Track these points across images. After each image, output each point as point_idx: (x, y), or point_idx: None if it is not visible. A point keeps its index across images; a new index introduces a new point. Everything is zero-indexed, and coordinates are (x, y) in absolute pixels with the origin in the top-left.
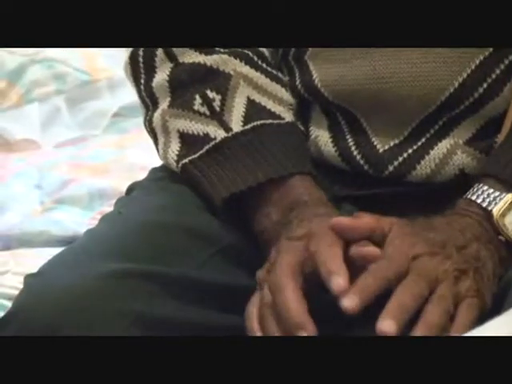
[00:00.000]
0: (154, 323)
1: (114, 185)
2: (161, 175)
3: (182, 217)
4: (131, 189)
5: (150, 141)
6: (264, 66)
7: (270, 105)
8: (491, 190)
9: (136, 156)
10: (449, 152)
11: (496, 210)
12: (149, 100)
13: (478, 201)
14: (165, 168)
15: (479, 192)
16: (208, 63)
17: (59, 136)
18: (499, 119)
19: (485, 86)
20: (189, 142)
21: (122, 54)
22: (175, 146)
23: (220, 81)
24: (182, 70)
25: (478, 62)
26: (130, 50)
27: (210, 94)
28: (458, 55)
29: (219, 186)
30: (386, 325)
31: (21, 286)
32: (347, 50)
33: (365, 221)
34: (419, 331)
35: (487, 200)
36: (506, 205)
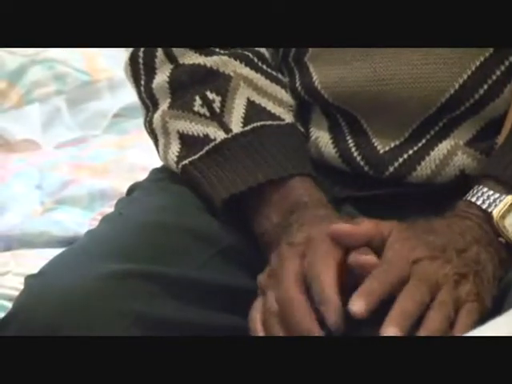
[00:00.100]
0: (154, 324)
1: (114, 185)
2: (161, 176)
3: (183, 217)
4: (132, 189)
5: (151, 141)
6: (264, 67)
7: (270, 106)
8: (491, 192)
9: (136, 156)
10: (449, 153)
11: (496, 212)
12: (149, 101)
13: (478, 202)
14: (165, 169)
15: (479, 194)
16: (208, 64)
17: (60, 136)
18: (499, 120)
19: (485, 87)
20: (189, 143)
21: (122, 55)
22: (175, 147)
23: (220, 82)
24: (182, 71)
25: (478, 63)
26: (130, 51)
27: (210, 96)
28: (458, 57)
29: (219, 187)
30: (390, 332)
31: (21, 287)
32: (347, 52)
33: (363, 227)
34: None
35: (487, 202)
36: (506, 206)
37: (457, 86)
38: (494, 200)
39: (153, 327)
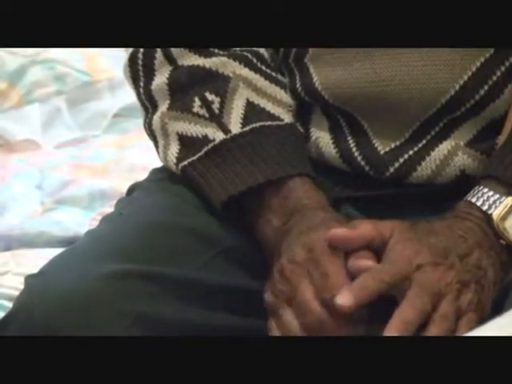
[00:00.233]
0: (154, 324)
1: (114, 185)
2: (161, 176)
3: (183, 218)
4: (132, 189)
5: (151, 141)
6: (263, 68)
7: (270, 107)
8: (491, 193)
9: (136, 156)
10: (450, 153)
11: (496, 215)
12: (148, 103)
13: (478, 203)
14: (165, 169)
15: (479, 194)
16: (207, 66)
17: (60, 136)
18: (500, 121)
19: (486, 88)
20: (188, 144)
21: (122, 55)
22: (174, 149)
23: (219, 83)
24: (181, 72)
25: (478, 64)
26: (130, 52)
27: (209, 97)
28: (458, 58)
29: (218, 188)
30: None
31: (21, 287)
32: (347, 53)
33: (362, 230)
34: None
35: (487, 203)
36: (506, 208)
37: (457, 87)
38: (494, 201)
39: (153, 327)
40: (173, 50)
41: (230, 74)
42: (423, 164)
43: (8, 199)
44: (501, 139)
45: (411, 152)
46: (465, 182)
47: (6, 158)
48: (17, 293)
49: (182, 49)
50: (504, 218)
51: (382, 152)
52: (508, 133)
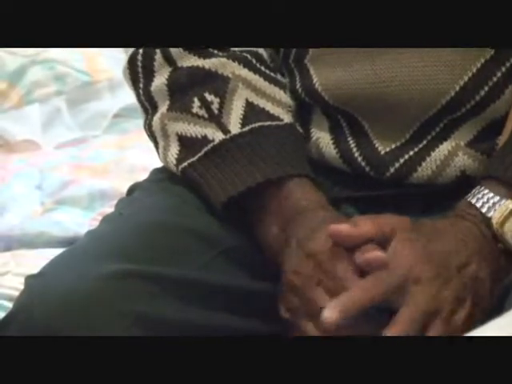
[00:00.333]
0: (154, 324)
1: (114, 185)
2: (162, 176)
3: (184, 218)
4: (132, 190)
5: (151, 142)
6: (262, 68)
7: (269, 107)
8: (491, 195)
9: (136, 157)
10: (450, 154)
11: (495, 218)
12: (148, 104)
13: (478, 205)
14: (166, 169)
15: (479, 195)
16: (206, 66)
17: (60, 137)
18: (500, 121)
19: (486, 89)
20: (188, 144)
21: (122, 55)
22: (174, 150)
23: (218, 84)
24: (181, 73)
25: (479, 65)
26: (129, 54)
27: (209, 97)
28: (458, 59)
29: (218, 189)
30: None
31: (21, 287)
32: (347, 54)
33: (363, 228)
34: None
35: (486, 205)
36: (506, 213)
37: (457, 88)
38: (494, 204)
39: (153, 328)
40: (172, 51)
41: (230, 75)
42: (423, 164)
43: (8, 199)
44: (501, 140)
45: (411, 152)
46: (465, 183)
47: (6, 158)
48: (17, 293)
49: (181, 50)
50: (503, 222)
51: (382, 152)
52: (508, 133)
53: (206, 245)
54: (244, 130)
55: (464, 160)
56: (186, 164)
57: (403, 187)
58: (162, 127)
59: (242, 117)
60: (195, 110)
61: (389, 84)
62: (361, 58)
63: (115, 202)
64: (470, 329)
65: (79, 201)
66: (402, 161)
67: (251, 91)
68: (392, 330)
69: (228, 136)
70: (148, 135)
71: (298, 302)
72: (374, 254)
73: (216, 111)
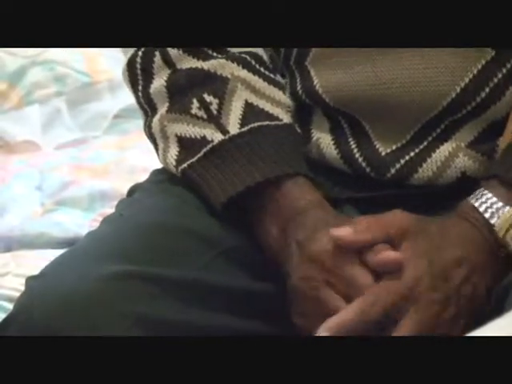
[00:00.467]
0: (154, 325)
1: (114, 186)
2: (162, 177)
3: (184, 219)
4: (132, 191)
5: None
6: (262, 69)
7: (268, 107)
8: (494, 200)
9: (137, 157)
10: (451, 155)
11: (498, 226)
12: (147, 106)
13: (481, 209)
14: (166, 170)
15: (483, 199)
16: (205, 68)
17: (60, 137)
18: (501, 122)
19: (487, 90)
20: (187, 145)
21: (122, 56)
22: (174, 151)
23: (217, 85)
24: (180, 75)
25: (479, 66)
26: (128, 57)
27: (208, 98)
28: (459, 60)
29: (218, 189)
30: None
31: (22, 288)
32: (348, 56)
33: (367, 235)
34: None
35: (490, 210)
36: (510, 221)
37: (458, 90)
38: (497, 210)
39: (153, 328)
40: (171, 53)
41: (229, 76)
42: (424, 165)
43: (8, 200)
44: (502, 141)
45: (412, 153)
46: (466, 184)
47: (6, 159)
48: (17, 294)
49: (180, 52)
50: (507, 230)
51: (383, 153)
52: (509, 134)
53: (206, 245)
54: (243, 130)
55: (465, 161)
56: (185, 165)
57: (404, 188)
58: (161, 129)
59: (240, 117)
60: (194, 111)
61: (389, 86)
62: (361, 60)
63: (115, 202)
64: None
65: (79, 202)
66: (402, 162)
67: (250, 92)
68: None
69: (227, 136)
70: (148, 137)
71: (309, 306)
72: (388, 254)
73: (215, 112)
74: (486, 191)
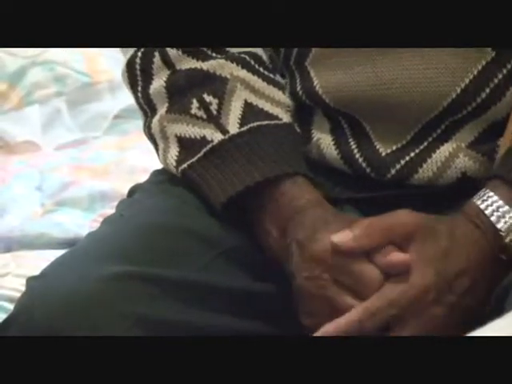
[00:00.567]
0: (155, 325)
1: (114, 187)
2: (162, 178)
3: (184, 219)
4: (133, 191)
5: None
6: (261, 69)
7: (268, 107)
8: (500, 203)
9: (137, 158)
10: (451, 155)
11: (505, 232)
12: (147, 107)
13: (487, 212)
14: (166, 171)
15: (488, 202)
16: (205, 68)
17: (60, 138)
18: (502, 123)
19: (487, 91)
20: (187, 146)
21: (122, 57)
22: (174, 151)
23: (217, 85)
24: (179, 75)
25: (480, 67)
26: (127, 58)
27: (207, 98)
28: (459, 61)
29: (218, 189)
30: None
31: (22, 288)
32: (348, 57)
33: (368, 241)
34: None
35: (495, 214)
36: None
37: (458, 91)
38: (504, 214)
39: (154, 329)
40: (171, 54)
41: (228, 76)
42: (424, 166)
43: (8, 201)
44: (503, 141)
45: (413, 154)
46: (466, 184)
47: (6, 159)
48: (17, 294)
49: (179, 53)
50: None
51: (383, 154)
52: (510, 135)
53: (207, 246)
54: (242, 129)
55: (465, 161)
56: (185, 165)
57: (404, 188)
58: (161, 129)
59: (240, 117)
60: (194, 111)
61: (390, 86)
62: (361, 61)
63: (116, 203)
64: None
65: (79, 202)
66: (403, 162)
67: (250, 92)
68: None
69: (227, 136)
70: (147, 137)
71: (317, 306)
72: (396, 256)
73: (214, 112)
74: (491, 193)
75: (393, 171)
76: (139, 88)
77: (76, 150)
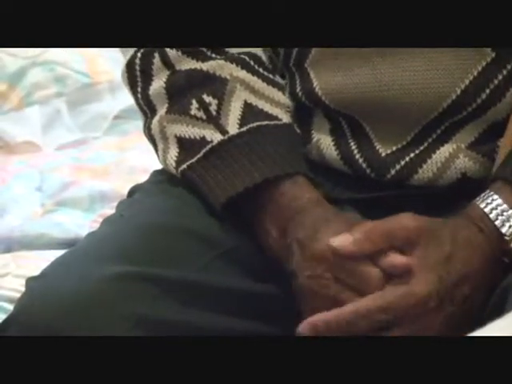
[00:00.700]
0: (155, 326)
1: (114, 187)
2: (162, 178)
3: (184, 219)
4: (133, 191)
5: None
6: (261, 70)
7: (267, 107)
8: (505, 206)
9: (137, 158)
10: (451, 156)
11: (510, 236)
12: (146, 108)
13: (491, 216)
14: (166, 171)
15: (493, 205)
16: (204, 68)
17: (60, 138)
18: (502, 123)
19: (487, 92)
20: (186, 146)
21: (122, 57)
22: (173, 152)
23: (217, 85)
24: (179, 76)
25: (480, 68)
26: (127, 58)
27: (207, 99)
28: (459, 63)
29: (217, 190)
30: None
31: (22, 289)
32: (348, 58)
33: (368, 246)
34: None
35: (500, 218)
36: None
37: (458, 92)
38: (508, 218)
39: (154, 329)
40: (170, 55)
41: (228, 77)
42: (424, 166)
43: (8, 201)
44: (503, 142)
45: (412, 155)
46: (466, 185)
47: (6, 159)
48: (17, 295)
49: (179, 54)
50: None
51: (383, 154)
52: (510, 136)
53: (207, 246)
54: (242, 130)
55: (465, 162)
56: (185, 166)
57: (404, 189)
58: (160, 130)
59: (240, 118)
60: (193, 111)
61: (389, 88)
62: (361, 62)
63: (116, 203)
64: None
65: (80, 202)
66: (402, 163)
67: (249, 92)
68: None
69: (226, 137)
70: (147, 138)
71: (320, 304)
72: (397, 258)
73: (214, 112)
74: (495, 196)
75: (393, 172)
76: (139, 89)
77: (76, 150)
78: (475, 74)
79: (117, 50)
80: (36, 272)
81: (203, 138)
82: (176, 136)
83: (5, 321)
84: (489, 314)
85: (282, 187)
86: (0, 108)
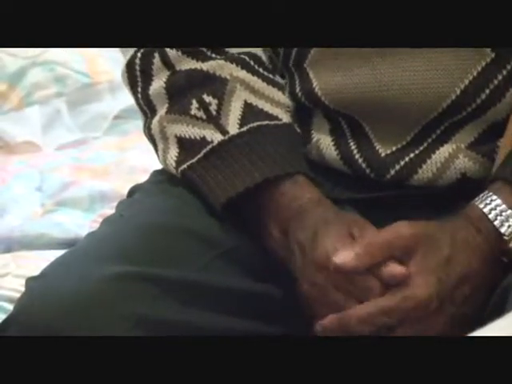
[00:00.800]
0: (155, 326)
1: (114, 187)
2: (162, 178)
3: (184, 219)
4: (133, 191)
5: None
6: (260, 70)
7: (268, 107)
8: (503, 207)
9: (137, 158)
10: (451, 156)
11: (509, 236)
12: (147, 108)
13: (490, 216)
14: (166, 171)
15: (492, 205)
16: (205, 68)
17: (60, 138)
18: (502, 123)
19: (487, 92)
20: (187, 146)
21: (122, 57)
22: (174, 152)
23: (217, 85)
24: (179, 76)
25: (479, 68)
26: (127, 58)
27: (207, 99)
28: (459, 63)
29: (217, 190)
30: None
31: (22, 289)
32: (347, 59)
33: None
34: None
35: (499, 218)
36: None
37: (458, 92)
38: (507, 218)
39: (154, 329)
40: (170, 55)
41: (228, 77)
42: (424, 167)
43: (8, 201)
44: (503, 143)
45: (412, 155)
46: (466, 185)
47: (6, 159)
48: (17, 295)
49: (179, 54)
50: None
51: (383, 154)
52: (510, 136)
53: (207, 246)
54: (242, 130)
55: (465, 162)
56: (185, 166)
57: (404, 189)
58: (160, 130)
59: (240, 117)
60: (193, 111)
61: (389, 88)
62: (360, 63)
63: (115, 203)
64: None
65: (80, 202)
66: (402, 163)
67: (249, 92)
68: None
69: (226, 137)
70: (147, 138)
71: (323, 310)
72: (396, 268)
73: (214, 113)
74: (494, 196)
75: (392, 172)
76: (139, 89)
77: (76, 150)
78: (475, 74)
79: (117, 50)
80: (36, 272)
81: (203, 138)
82: (176, 136)
83: (5, 321)
84: (489, 314)
85: (283, 187)
86: (0, 108)
